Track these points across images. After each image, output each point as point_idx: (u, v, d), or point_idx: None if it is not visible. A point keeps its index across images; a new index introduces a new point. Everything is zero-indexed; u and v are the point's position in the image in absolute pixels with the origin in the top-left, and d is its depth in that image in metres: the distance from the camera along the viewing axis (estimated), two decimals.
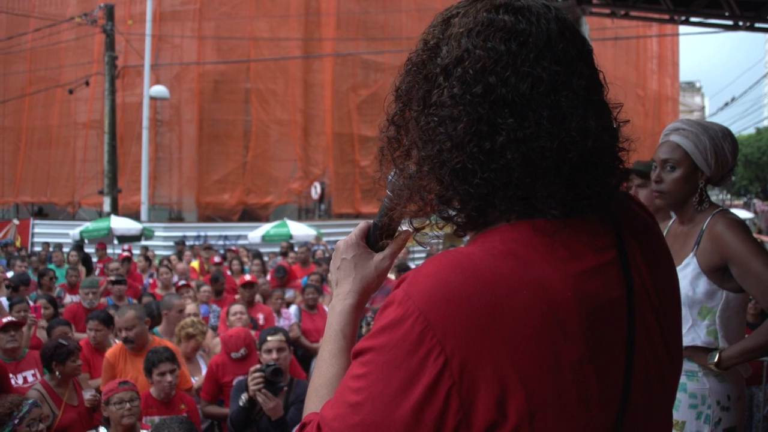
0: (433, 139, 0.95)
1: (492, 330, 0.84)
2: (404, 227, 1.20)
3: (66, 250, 14.46)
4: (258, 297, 7.52)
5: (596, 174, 0.94)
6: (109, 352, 4.96)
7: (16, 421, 3.43)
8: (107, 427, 3.80)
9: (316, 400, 1.06)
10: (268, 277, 9.73)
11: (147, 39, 19.94)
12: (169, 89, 19.99)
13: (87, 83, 20.39)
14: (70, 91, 20.25)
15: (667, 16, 7.98)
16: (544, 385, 0.84)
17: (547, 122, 0.89)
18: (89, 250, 15.98)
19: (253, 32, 22.01)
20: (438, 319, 0.84)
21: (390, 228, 1.21)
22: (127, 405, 3.75)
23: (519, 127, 0.89)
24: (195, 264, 11.51)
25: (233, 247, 15.16)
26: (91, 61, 21.80)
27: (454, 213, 0.98)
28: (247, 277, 7.47)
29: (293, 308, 7.56)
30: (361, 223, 1.24)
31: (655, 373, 0.97)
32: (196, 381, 5.25)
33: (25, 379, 4.76)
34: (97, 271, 12.03)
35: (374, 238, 1.22)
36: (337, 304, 1.18)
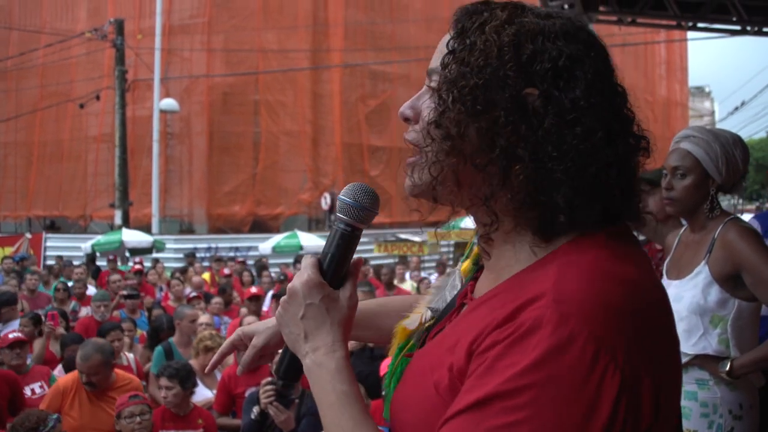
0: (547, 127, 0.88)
1: (648, 336, 0.81)
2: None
3: (77, 263, 14.56)
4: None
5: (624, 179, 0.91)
6: (62, 381, 4.54)
7: None
8: None
9: None
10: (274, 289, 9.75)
11: (156, 53, 20.10)
12: (179, 102, 20.12)
13: (98, 97, 20.55)
14: (81, 106, 20.41)
15: (674, 22, 7.98)
16: (675, 387, 0.86)
17: (599, 98, 0.88)
18: (101, 263, 16.10)
19: (262, 44, 22.13)
20: (607, 333, 0.77)
21: (347, 258, 1.07)
22: (138, 419, 3.76)
23: (569, 99, 0.87)
24: (206, 276, 11.56)
25: (239, 259, 15.20)
26: (102, 75, 21.98)
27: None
28: (254, 290, 7.49)
29: None
30: (309, 258, 1.06)
31: None
32: (214, 393, 5.25)
33: (32, 390, 4.80)
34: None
35: (332, 272, 1.05)
36: (326, 361, 0.99)
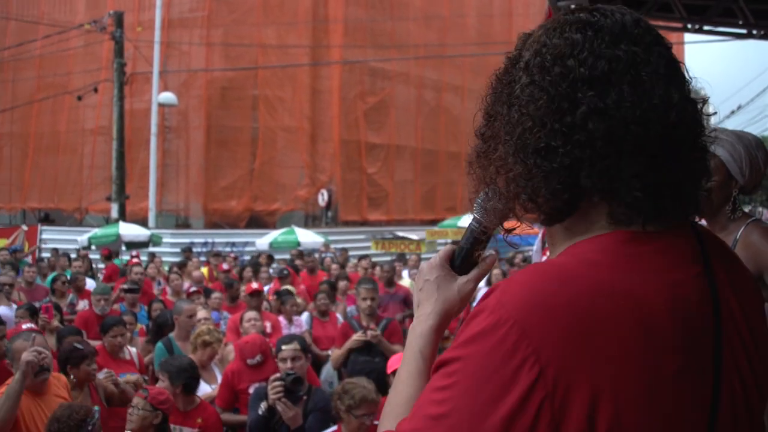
0: (516, 123, 0.95)
1: (588, 340, 0.81)
2: (490, 251, 1.19)
3: (74, 256, 14.48)
4: (265, 305, 7.51)
5: (680, 158, 0.92)
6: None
7: (89, 427, 3.43)
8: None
9: (392, 419, 1.02)
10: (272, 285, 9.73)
11: (155, 46, 20.02)
12: (177, 96, 20.03)
13: (95, 90, 20.45)
14: (79, 98, 20.31)
15: (680, 25, 7.95)
16: (637, 399, 0.82)
17: (628, 94, 0.89)
18: (94, 256, 16.03)
19: (261, 39, 22.07)
20: (534, 327, 0.82)
21: (474, 252, 1.18)
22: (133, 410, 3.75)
23: (600, 99, 0.89)
24: (204, 271, 11.51)
25: (233, 255, 15.15)
26: (100, 67, 21.88)
27: (542, 199, 0.94)
28: (254, 285, 7.46)
29: (305, 315, 7.53)
30: (447, 246, 1.21)
31: (743, 406, 0.93)
32: (213, 389, 5.22)
33: None
34: (101, 278, 12.02)
35: (459, 261, 1.19)
36: (417, 325, 1.14)
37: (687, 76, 0.97)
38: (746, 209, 2.51)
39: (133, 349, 5.76)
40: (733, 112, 31.44)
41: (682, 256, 0.93)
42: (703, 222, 2.64)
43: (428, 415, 0.85)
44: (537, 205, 0.95)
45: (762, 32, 7.69)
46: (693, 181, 0.96)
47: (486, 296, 0.89)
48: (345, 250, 16.05)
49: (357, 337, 5.80)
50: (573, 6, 6.07)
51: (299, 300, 7.97)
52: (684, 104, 0.92)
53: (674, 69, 0.94)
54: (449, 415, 0.83)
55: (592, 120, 0.89)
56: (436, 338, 1.12)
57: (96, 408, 3.58)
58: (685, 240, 0.96)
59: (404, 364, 1.12)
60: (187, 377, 4.38)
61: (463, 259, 1.18)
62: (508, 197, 0.99)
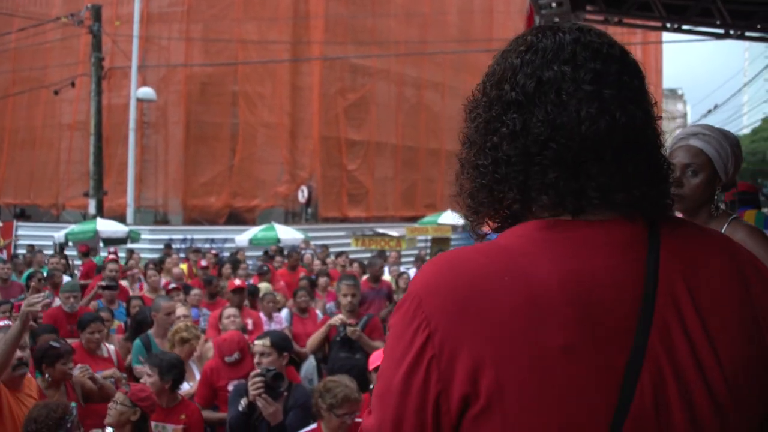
0: (467, 138, 1.10)
1: (468, 315, 0.92)
2: None
3: (49, 252, 14.29)
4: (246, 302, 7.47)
5: (606, 166, 0.98)
6: None
7: (68, 425, 3.38)
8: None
9: None
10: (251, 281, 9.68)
11: (134, 40, 19.81)
12: (156, 91, 19.85)
13: (73, 84, 20.18)
14: (56, 92, 20.05)
15: (659, 24, 8.05)
16: (518, 367, 0.90)
17: (549, 113, 0.97)
18: (71, 252, 15.84)
19: (241, 35, 21.94)
20: (428, 300, 0.95)
21: None
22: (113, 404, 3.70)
23: (519, 121, 0.99)
24: (183, 267, 11.42)
25: (213, 251, 15.06)
26: (77, 62, 21.60)
27: (482, 209, 1.09)
28: (237, 282, 7.42)
29: (285, 312, 7.50)
30: None
31: (678, 400, 0.92)
32: (191, 386, 5.18)
33: None
34: (78, 275, 11.87)
35: None
36: None
37: (631, 87, 1.01)
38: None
39: (111, 347, 5.70)
40: (710, 111, 31.88)
41: (611, 247, 0.97)
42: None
43: (378, 375, 1.03)
44: (476, 214, 1.10)
45: (738, 32, 7.81)
46: (627, 180, 0.99)
47: None
48: (326, 246, 16.02)
49: (333, 321, 5.81)
50: (553, 4, 6.11)
51: (278, 297, 7.94)
52: (599, 117, 0.97)
53: (603, 83, 0.98)
54: (381, 374, 1.00)
55: (507, 141, 1.00)
56: None
57: (73, 405, 3.53)
58: (621, 230, 0.99)
59: None
60: (176, 373, 4.35)
61: None
62: (464, 201, 1.12)
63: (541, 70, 0.99)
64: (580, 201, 0.98)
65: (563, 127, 0.96)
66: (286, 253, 12.54)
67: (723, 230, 2.38)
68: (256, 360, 4.27)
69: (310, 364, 6.30)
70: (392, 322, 1.01)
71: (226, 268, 10.32)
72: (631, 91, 1.01)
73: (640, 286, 0.94)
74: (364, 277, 8.95)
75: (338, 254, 13.56)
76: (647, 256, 0.97)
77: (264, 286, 8.69)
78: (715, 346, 0.94)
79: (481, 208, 1.08)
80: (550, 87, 0.98)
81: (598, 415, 0.90)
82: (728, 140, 2.41)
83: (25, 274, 10.39)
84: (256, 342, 4.41)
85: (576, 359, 0.90)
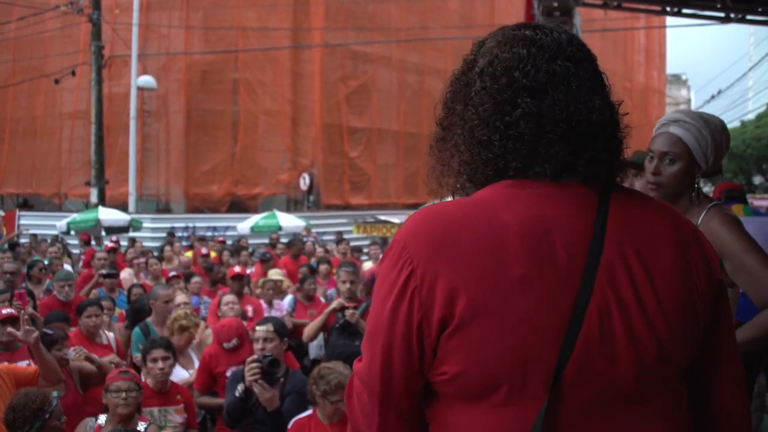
0: (468, 119, 1.23)
1: (444, 251, 1.11)
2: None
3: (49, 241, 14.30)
4: (246, 289, 7.49)
5: (596, 146, 1.18)
6: None
7: (47, 416, 3.39)
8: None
9: None
10: (253, 269, 9.70)
11: (134, 28, 19.73)
12: (157, 79, 19.79)
13: (73, 73, 20.13)
14: (56, 81, 20.00)
15: (659, 8, 7.99)
16: (485, 294, 1.08)
17: (560, 100, 1.16)
18: (72, 241, 15.86)
19: (242, 22, 21.84)
20: (410, 243, 1.14)
21: None
22: (123, 395, 3.70)
23: (534, 105, 1.16)
24: (188, 254, 11.45)
25: (219, 239, 15.09)
26: (77, 50, 21.53)
27: (479, 179, 1.24)
28: (237, 269, 7.43)
29: (288, 298, 7.51)
30: None
31: (622, 330, 1.10)
32: (190, 374, 5.20)
33: None
34: (80, 263, 11.90)
35: None
36: None
37: (607, 85, 1.25)
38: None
39: (111, 334, 5.72)
40: (713, 97, 31.70)
41: (567, 201, 1.16)
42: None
43: (368, 321, 1.20)
44: (474, 183, 1.25)
45: (740, 16, 7.75)
46: (608, 159, 1.20)
47: None
48: (339, 232, 16.21)
49: (332, 306, 5.82)
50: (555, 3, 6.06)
51: (285, 282, 7.97)
52: (604, 108, 1.19)
53: (598, 80, 1.23)
54: (371, 313, 1.18)
55: (524, 119, 1.16)
56: None
57: (54, 394, 3.52)
58: (581, 193, 1.18)
59: None
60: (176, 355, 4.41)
61: None
62: (457, 174, 1.28)
63: (548, 63, 1.18)
64: (568, 171, 1.18)
65: (576, 113, 1.16)
66: (286, 241, 12.55)
67: (701, 216, 2.37)
68: (259, 346, 4.27)
69: (317, 344, 6.33)
70: (380, 267, 1.18)
71: (225, 255, 10.34)
72: (606, 86, 1.25)
73: (590, 233, 1.13)
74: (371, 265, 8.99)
75: (338, 242, 13.57)
76: (597, 210, 1.16)
77: (274, 271, 8.67)
78: (655, 286, 1.13)
79: (481, 178, 1.22)
80: (560, 79, 1.17)
81: (550, 339, 1.07)
82: (709, 127, 2.37)
83: (29, 263, 10.41)
84: (257, 328, 4.41)
85: (532, 289, 1.08)
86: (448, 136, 1.28)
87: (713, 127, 2.40)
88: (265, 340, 4.30)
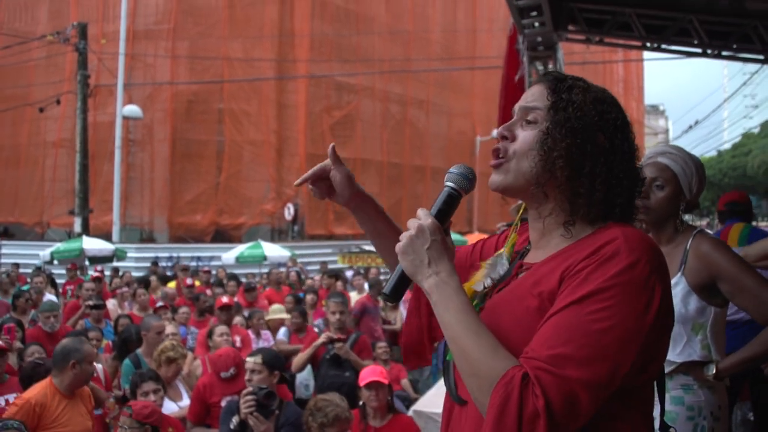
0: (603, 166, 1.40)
1: (664, 266, 1.30)
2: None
3: (30, 271, 14.17)
4: (237, 319, 7.48)
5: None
6: (35, 393, 4.17)
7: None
8: None
9: (496, 359, 1.22)
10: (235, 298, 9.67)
11: (120, 58, 19.83)
12: (142, 109, 19.82)
13: (58, 102, 20.12)
14: (41, 110, 19.98)
15: (639, 43, 8.23)
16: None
17: (629, 162, 1.40)
18: (59, 271, 15.71)
19: (227, 52, 22.02)
20: (653, 260, 1.26)
21: (448, 213, 1.42)
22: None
23: (617, 162, 1.38)
24: (172, 285, 11.41)
25: (205, 269, 15.04)
26: (62, 79, 21.57)
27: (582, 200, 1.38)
28: (224, 299, 7.42)
29: (283, 330, 7.45)
30: (425, 210, 1.41)
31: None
32: (180, 407, 5.18)
33: (7, 401, 4.66)
34: (68, 293, 11.81)
35: (439, 222, 1.38)
36: (450, 281, 1.33)
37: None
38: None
39: (99, 366, 5.67)
40: (691, 127, 32.30)
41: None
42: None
43: (592, 331, 1.19)
44: (576, 201, 1.38)
45: (715, 51, 8.01)
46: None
47: (600, 247, 1.27)
48: (324, 263, 16.13)
49: (320, 340, 5.83)
50: (535, 24, 6.23)
51: (283, 314, 7.97)
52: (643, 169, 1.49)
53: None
54: (615, 325, 1.20)
55: (618, 167, 1.40)
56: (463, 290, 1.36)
57: (17, 423, 3.51)
58: None
59: (458, 317, 1.28)
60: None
61: (442, 219, 1.40)
62: (551, 178, 1.39)
63: (617, 111, 1.41)
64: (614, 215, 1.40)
65: (635, 172, 1.41)
66: (268, 271, 12.53)
67: (689, 242, 2.51)
68: (246, 377, 4.29)
69: (302, 383, 6.33)
70: (622, 280, 1.22)
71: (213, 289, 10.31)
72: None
73: None
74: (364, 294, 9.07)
75: (323, 273, 13.60)
76: None
77: (277, 308, 8.51)
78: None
79: (595, 202, 1.36)
80: (629, 144, 1.41)
81: None
82: (693, 161, 2.60)
83: (13, 293, 10.30)
84: (247, 359, 4.42)
85: None
86: (560, 149, 1.36)
87: (696, 160, 2.62)
88: (252, 371, 4.32)
